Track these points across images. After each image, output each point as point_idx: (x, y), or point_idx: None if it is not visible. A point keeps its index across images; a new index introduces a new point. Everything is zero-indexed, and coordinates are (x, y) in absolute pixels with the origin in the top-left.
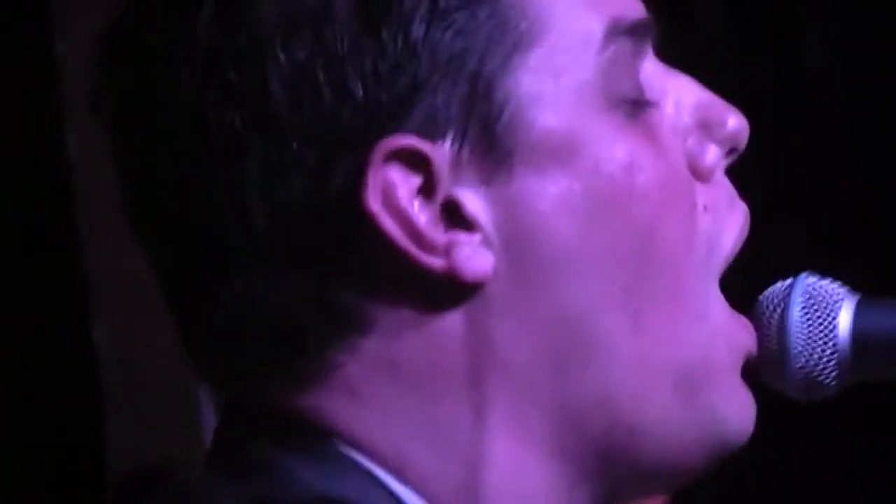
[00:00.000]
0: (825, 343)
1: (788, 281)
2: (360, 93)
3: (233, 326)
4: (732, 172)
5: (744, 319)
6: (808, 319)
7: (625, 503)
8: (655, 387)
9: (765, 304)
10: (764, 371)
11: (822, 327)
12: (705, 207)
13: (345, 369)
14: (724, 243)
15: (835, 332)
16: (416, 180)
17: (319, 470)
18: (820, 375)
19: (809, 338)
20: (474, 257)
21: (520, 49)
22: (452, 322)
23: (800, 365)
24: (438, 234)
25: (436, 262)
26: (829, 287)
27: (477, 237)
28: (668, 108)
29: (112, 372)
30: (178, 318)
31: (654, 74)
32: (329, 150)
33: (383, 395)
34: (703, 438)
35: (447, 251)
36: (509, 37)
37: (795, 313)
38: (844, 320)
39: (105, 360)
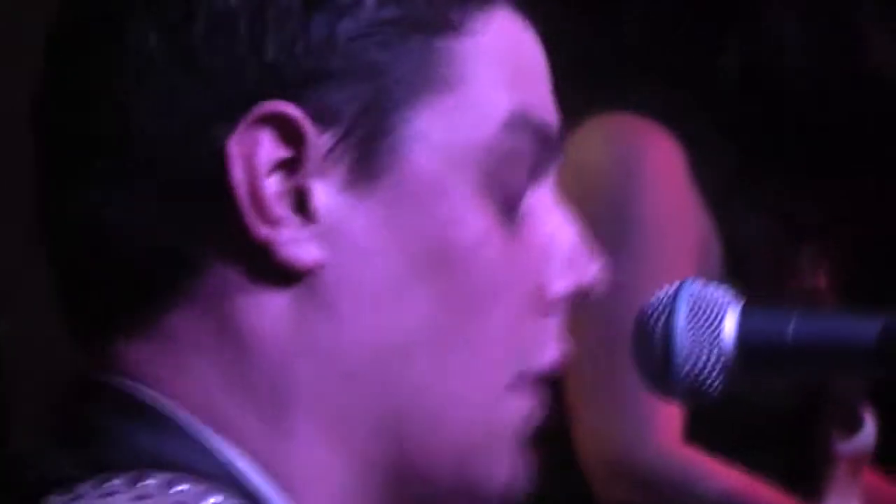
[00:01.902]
0: (710, 349)
1: (674, 286)
2: (270, 55)
3: (84, 253)
4: None
5: (538, 398)
6: (693, 325)
7: None
8: (446, 430)
9: (649, 311)
10: (649, 379)
11: (707, 333)
12: (531, 325)
13: (174, 321)
14: (531, 361)
15: (720, 337)
16: (284, 153)
17: (151, 434)
18: (706, 381)
19: (695, 344)
20: (299, 245)
21: (432, 90)
22: (278, 299)
23: (685, 372)
24: (278, 209)
25: (262, 231)
26: (714, 293)
27: (311, 229)
28: (543, 231)
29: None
30: (54, 272)
31: (545, 201)
32: (222, 94)
33: (208, 352)
34: (466, 491)
35: (277, 225)
36: (429, 74)
37: (681, 320)
38: (729, 326)
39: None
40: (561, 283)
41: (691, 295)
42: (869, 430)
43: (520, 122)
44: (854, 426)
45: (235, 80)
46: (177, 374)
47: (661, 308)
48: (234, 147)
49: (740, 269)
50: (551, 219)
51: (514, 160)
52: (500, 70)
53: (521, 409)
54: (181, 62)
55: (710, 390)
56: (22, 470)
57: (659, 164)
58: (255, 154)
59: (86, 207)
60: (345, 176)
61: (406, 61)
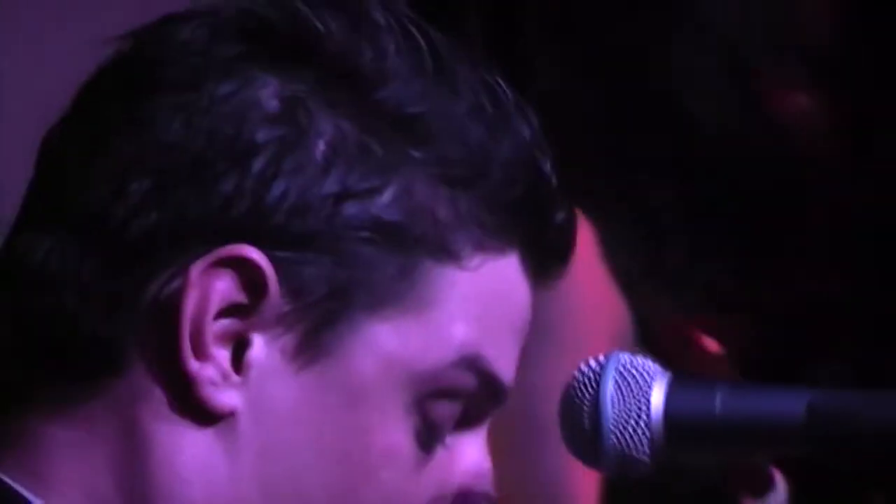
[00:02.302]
0: (638, 419)
1: (601, 357)
2: (269, 201)
3: (25, 310)
4: None
5: None
6: (622, 395)
7: None
8: None
9: (578, 381)
10: (576, 451)
11: (634, 403)
12: None
13: (85, 411)
14: None
15: (647, 408)
16: (241, 298)
17: None
18: (634, 452)
19: (622, 414)
20: (220, 389)
21: (402, 305)
22: (187, 431)
23: (612, 442)
24: (213, 348)
25: (192, 363)
26: (643, 363)
27: (238, 379)
28: (453, 462)
29: None
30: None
31: (472, 445)
32: (209, 217)
33: (108, 455)
34: None
35: (206, 360)
36: (405, 288)
37: (609, 391)
38: (657, 397)
39: None
40: None
41: (620, 365)
42: (780, 493)
43: (468, 364)
44: (763, 489)
45: (225, 210)
46: (69, 462)
47: (589, 378)
48: (196, 274)
49: (651, 347)
50: (471, 462)
51: (451, 397)
52: (473, 309)
53: None
54: (186, 170)
55: (639, 462)
56: None
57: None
58: (212, 289)
59: (34, 262)
60: (287, 345)
61: (390, 267)
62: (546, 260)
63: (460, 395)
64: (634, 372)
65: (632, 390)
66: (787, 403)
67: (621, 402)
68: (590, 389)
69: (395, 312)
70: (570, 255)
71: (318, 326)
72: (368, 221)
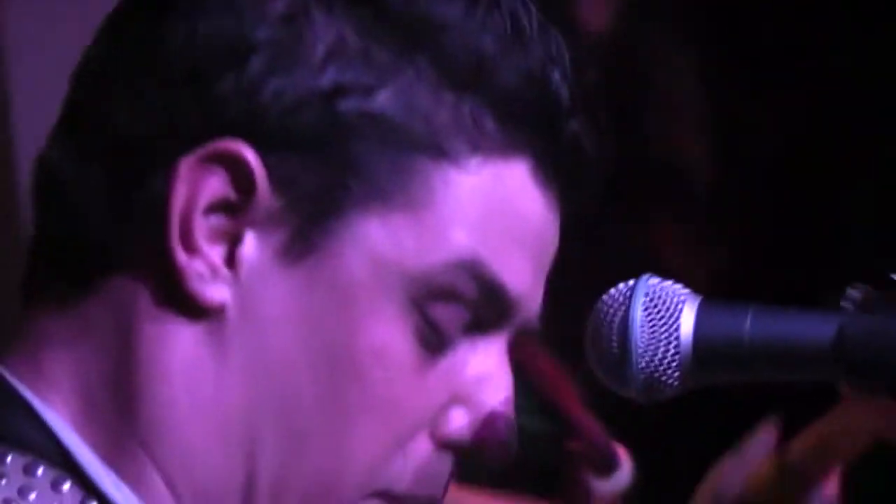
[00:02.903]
0: (668, 343)
1: (630, 282)
2: (262, 97)
3: (38, 212)
4: None
5: None
6: (651, 320)
7: None
8: None
9: (606, 305)
10: (604, 373)
11: (664, 328)
12: (407, 454)
13: (80, 308)
14: (401, 481)
15: (677, 332)
16: (231, 195)
17: None
18: (662, 376)
19: (652, 338)
20: (209, 282)
21: (393, 202)
22: (177, 327)
23: (642, 365)
24: (203, 242)
25: (180, 256)
26: (672, 288)
27: (227, 273)
28: (467, 367)
29: None
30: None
31: (483, 355)
32: (197, 113)
33: (99, 347)
34: None
35: (194, 254)
36: (396, 186)
37: (638, 314)
38: (687, 321)
39: None
40: (456, 429)
41: (649, 288)
42: (625, 471)
43: (466, 269)
44: (608, 467)
45: (220, 108)
46: (65, 354)
47: (618, 302)
48: (185, 169)
49: None
50: (484, 369)
51: (448, 300)
52: (472, 213)
53: None
54: (185, 71)
55: (668, 385)
56: None
57: None
58: (202, 184)
59: (56, 174)
60: (278, 242)
61: (383, 165)
62: (559, 174)
63: (460, 300)
64: (664, 295)
65: (661, 314)
66: (818, 327)
67: (651, 326)
68: (619, 313)
69: (387, 210)
70: (585, 171)
71: (308, 223)
72: (362, 118)
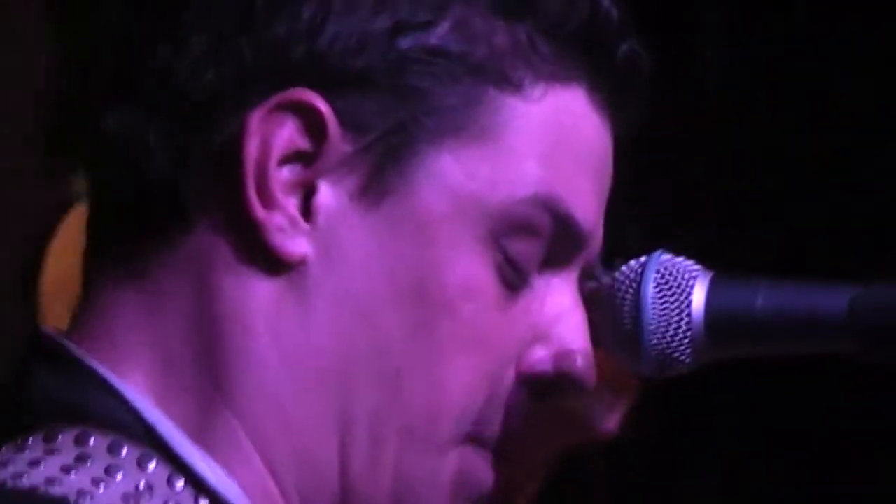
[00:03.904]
0: (679, 319)
1: (642, 259)
2: (322, 44)
3: (101, 172)
4: None
5: (485, 462)
6: (663, 296)
7: None
8: (378, 466)
9: (619, 281)
10: (618, 349)
11: (676, 304)
12: (496, 390)
13: (154, 267)
14: (480, 424)
15: (689, 308)
16: (303, 144)
17: (69, 389)
18: (675, 352)
19: (664, 314)
20: (289, 235)
21: (466, 135)
22: (257, 281)
23: (654, 341)
24: (280, 195)
25: (258, 211)
26: (684, 264)
27: (306, 225)
28: (545, 313)
29: None
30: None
31: (560, 288)
32: (263, 66)
33: (177, 309)
34: None
35: (273, 209)
36: (468, 118)
37: (650, 290)
38: (698, 297)
39: None
40: (539, 365)
41: (660, 265)
42: None
43: (542, 204)
44: None
45: (281, 56)
46: (139, 323)
47: (629, 279)
48: (256, 122)
49: None
50: (560, 306)
51: (525, 235)
52: (542, 144)
53: (463, 466)
54: (239, 21)
55: (680, 360)
56: None
57: None
58: (273, 135)
59: (110, 136)
60: (353, 186)
61: (450, 98)
62: (614, 95)
63: (536, 234)
64: (675, 272)
65: (672, 291)
66: (830, 299)
67: (662, 302)
68: (631, 290)
69: (459, 144)
70: (639, 91)
71: (382, 165)
72: (425, 53)
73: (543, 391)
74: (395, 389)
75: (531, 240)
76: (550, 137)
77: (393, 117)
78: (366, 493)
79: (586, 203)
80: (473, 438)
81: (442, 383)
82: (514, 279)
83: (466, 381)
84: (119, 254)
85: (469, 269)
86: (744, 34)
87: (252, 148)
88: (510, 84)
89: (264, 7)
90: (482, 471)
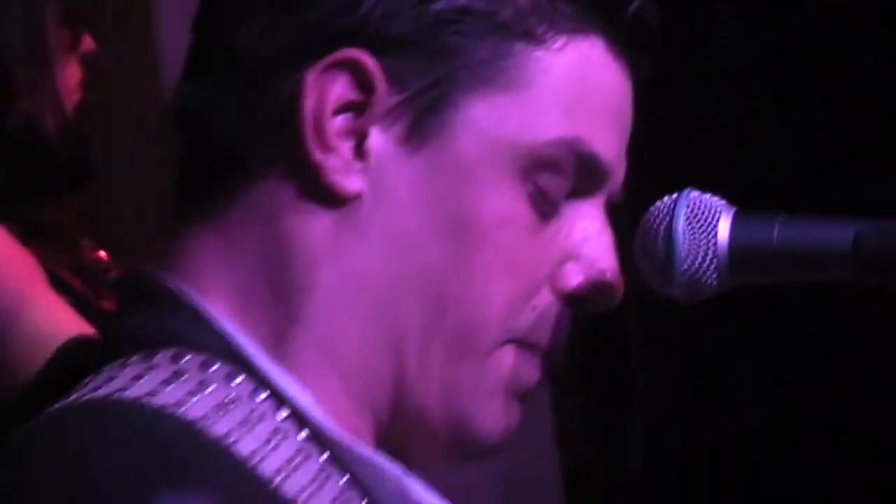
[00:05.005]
0: (706, 250)
1: (674, 195)
2: (367, 8)
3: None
4: None
5: (528, 361)
6: (692, 229)
7: (400, 446)
8: (433, 365)
9: (652, 216)
10: (652, 277)
11: (703, 236)
12: (534, 306)
13: (230, 213)
14: (532, 330)
15: (715, 239)
16: (354, 96)
17: (163, 315)
18: (702, 278)
19: (692, 245)
20: (345, 174)
21: (495, 85)
22: (319, 216)
23: (684, 269)
24: (335, 140)
25: (317, 154)
26: (710, 200)
27: (359, 164)
28: (576, 233)
29: None
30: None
31: (588, 215)
32: (316, 30)
33: (251, 247)
34: (448, 426)
35: (330, 152)
36: (497, 70)
37: (680, 224)
38: (723, 229)
39: None
40: (572, 280)
41: (690, 201)
42: None
43: (566, 145)
44: None
45: (332, 21)
46: (219, 259)
47: (662, 213)
48: (312, 79)
49: None
50: (589, 229)
51: (553, 171)
52: (565, 91)
53: (507, 365)
54: None
55: (707, 286)
56: (69, 355)
57: None
58: (328, 89)
59: (193, 101)
60: (398, 133)
61: (481, 53)
62: (629, 45)
63: (562, 170)
64: (703, 207)
65: (700, 223)
66: (837, 232)
67: (692, 234)
68: (664, 223)
69: (491, 93)
70: (649, 41)
71: (423, 114)
72: (456, 13)
73: (576, 304)
74: (440, 307)
75: (558, 175)
76: (572, 84)
77: (431, 72)
78: (419, 399)
79: (608, 141)
80: (513, 341)
81: (481, 301)
82: (544, 208)
83: (503, 301)
84: (199, 205)
85: (503, 201)
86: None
87: (310, 101)
88: (534, 38)
89: None
90: (525, 368)
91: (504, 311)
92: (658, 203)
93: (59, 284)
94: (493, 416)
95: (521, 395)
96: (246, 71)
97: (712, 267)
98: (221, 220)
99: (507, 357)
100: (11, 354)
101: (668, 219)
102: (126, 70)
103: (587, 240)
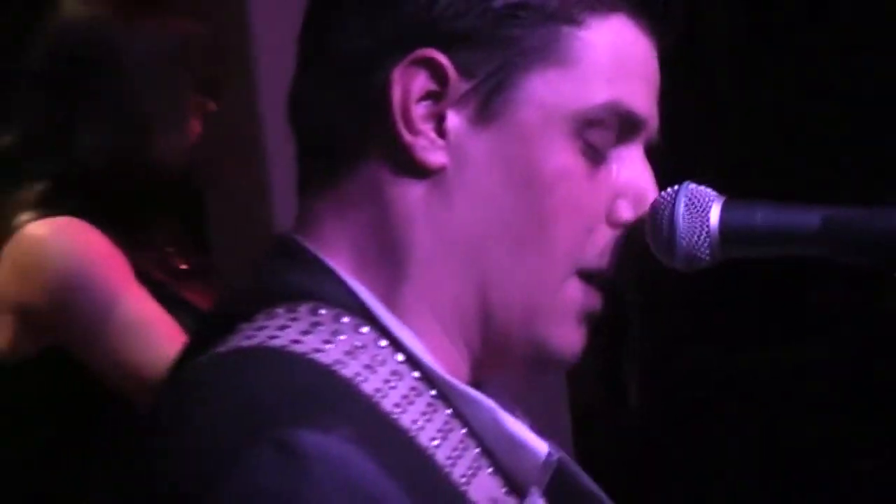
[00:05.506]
0: (701, 229)
1: (676, 187)
2: (437, 12)
3: (299, 131)
4: None
5: (593, 291)
6: (689, 214)
7: (485, 367)
8: (516, 298)
9: (659, 203)
10: (657, 250)
11: (699, 218)
12: (595, 240)
13: (344, 189)
14: (597, 258)
15: (708, 222)
16: (432, 87)
17: (302, 273)
18: (698, 253)
19: (690, 227)
20: (431, 151)
21: (548, 63)
22: (413, 187)
23: (684, 244)
24: (420, 124)
25: (406, 137)
26: (705, 191)
27: (442, 142)
28: (623, 176)
29: None
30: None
31: (631, 157)
32: (397, 34)
33: (363, 217)
34: (531, 347)
35: (417, 134)
36: (549, 51)
37: (681, 209)
38: (715, 214)
39: None
40: (625, 213)
41: (689, 191)
42: None
43: (609, 107)
44: None
45: (411, 23)
46: (336, 226)
47: (666, 200)
48: (397, 76)
49: None
50: (633, 170)
51: (601, 128)
52: (605, 62)
53: (576, 294)
54: (381, 4)
55: (702, 259)
56: (223, 305)
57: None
58: (410, 83)
59: (304, 96)
60: (471, 113)
61: (534, 39)
62: (651, 20)
63: (608, 127)
64: (699, 196)
65: (697, 209)
66: (808, 217)
67: (689, 217)
68: (668, 208)
69: (544, 70)
70: (671, 15)
71: (490, 95)
72: (513, 8)
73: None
74: (518, 250)
75: (604, 131)
76: (610, 56)
77: (494, 60)
78: (505, 328)
79: (642, 99)
80: (579, 272)
81: (551, 240)
82: (595, 158)
83: (569, 235)
84: (319, 181)
85: (561, 156)
86: None
87: (397, 93)
88: (576, 22)
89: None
90: (590, 296)
91: (571, 246)
92: (663, 192)
93: (145, 278)
94: (567, 337)
95: (588, 320)
96: (343, 69)
97: (706, 244)
98: (337, 194)
99: (576, 287)
100: (107, 336)
101: (671, 205)
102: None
103: (632, 179)
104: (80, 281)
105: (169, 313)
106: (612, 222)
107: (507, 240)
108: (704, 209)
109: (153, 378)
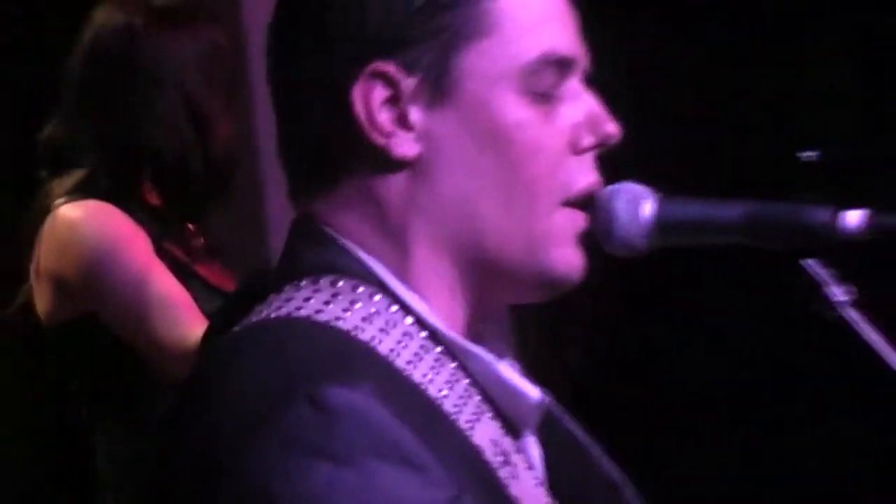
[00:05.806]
0: (636, 221)
1: (617, 185)
2: (373, 26)
3: (292, 149)
4: None
5: (578, 213)
6: (627, 207)
7: (494, 307)
8: (513, 240)
9: (602, 196)
10: (600, 238)
11: (635, 212)
12: (568, 167)
13: (344, 186)
14: (574, 185)
15: (643, 215)
16: (387, 93)
17: (323, 250)
18: (633, 240)
19: (628, 218)
20: (404, 145)
21: (477, 37)
22: (398, 177)
23: (621, 234)
24: (387, 126)
25: (380, 140)
26: (642, 188)
27: (410, 135)
28: (571, 107)
29: None
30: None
31: (573, 88)
32: (346, 56)
33: (364, 211)
34: (538, 276)
35: (389, 136)
36: (475, 27)
37: (620, 203)
38: (649, 208)
39: None
40: (587, 138)
41: (628, 188)
42: None
43: (542, 58)
44: None
45: (352, 49)
46: (344, 217)
47: (608, 195)
48: (357, 94)
49: None
50: (579, 100)
51: (540, 76)
52: (524, 20)
53: (568, 219)
54: (321, 38)
55: (637, 247)
56: (255, 280)
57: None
58: (369, 96)
59: (288, 132)
60: (426, 101)
61: (459, 20)
62: None
63: (545, 74)
64: (636, 193)
65: (633, 203)
66: (732, 210)
67: (627, 210)
68: (608, 203)
69: (475, 47)
70: None
71: (437, 81)
72: (431, 4)
73: (593, 151)
74: (503, 199)
75: (543, 78)
76: (527, 13)
77: (431, 52)
78: (507, 265)
79: (566, 39)
80: (566, 202)
81: (528, 183)
82: (544, 102)
83: (544, 171)
84: (314, 191)
85: (512, 111)
86: None
87: (361, 108)
88: None
89: (337, 18)
90: (578, 218)
91: (547, 183)
92: (606, 188)
93: (163, 254)
94: (567, 258)
95: (581, 239)
96: (311, 101)
97: (641, 233)
98: (340, 189)
99: (563, 215)
100: (145, 310)
101: (611, 199)
102: None
103: (581, 107)
104: (109, 257)
105: (185, 287)
106: (577, 151)
107: (491, 195)
108: (640, 204)
109: (172, 346)
